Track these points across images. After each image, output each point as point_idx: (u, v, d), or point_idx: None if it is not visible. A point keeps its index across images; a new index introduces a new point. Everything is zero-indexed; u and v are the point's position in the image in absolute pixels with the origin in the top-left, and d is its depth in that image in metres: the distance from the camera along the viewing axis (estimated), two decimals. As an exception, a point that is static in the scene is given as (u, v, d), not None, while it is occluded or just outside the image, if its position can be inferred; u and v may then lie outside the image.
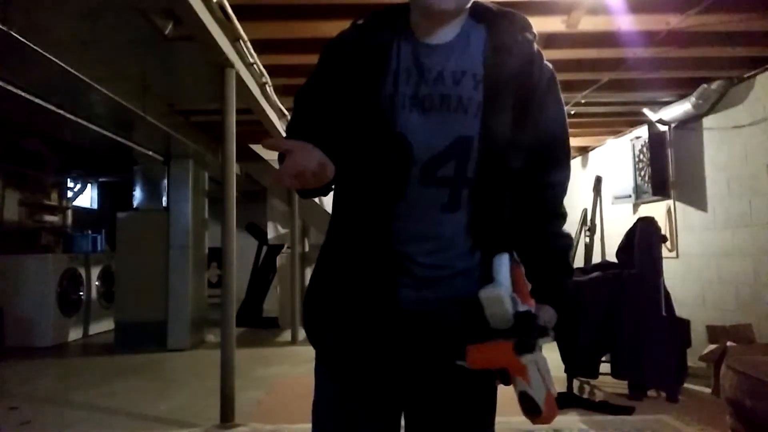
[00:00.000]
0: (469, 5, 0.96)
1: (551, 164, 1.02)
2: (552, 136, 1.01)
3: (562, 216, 1.05)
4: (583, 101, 4.41)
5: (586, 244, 5.96)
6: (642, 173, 5.03)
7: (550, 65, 1.00)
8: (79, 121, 4.31)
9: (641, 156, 5.04)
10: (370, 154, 0.94)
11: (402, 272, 0.94)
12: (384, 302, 0.95)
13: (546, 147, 1.00)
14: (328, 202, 1.11)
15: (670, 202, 4.76)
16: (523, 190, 1.00)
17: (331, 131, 0.97)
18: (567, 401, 3.37)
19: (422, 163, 0.93)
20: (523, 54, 0.97)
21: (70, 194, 7.91)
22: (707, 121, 4.28)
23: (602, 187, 6.03)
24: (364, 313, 0.96)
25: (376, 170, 0.94)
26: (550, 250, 1.03)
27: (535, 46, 0.99)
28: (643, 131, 5.03)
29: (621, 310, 3.50)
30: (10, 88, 3.48)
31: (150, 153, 5.53)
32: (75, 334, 6.12)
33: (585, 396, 3.57)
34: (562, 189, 1.04)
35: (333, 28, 3.11)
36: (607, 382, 3.67)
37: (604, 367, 3.58)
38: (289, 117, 4.29)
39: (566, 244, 1.06)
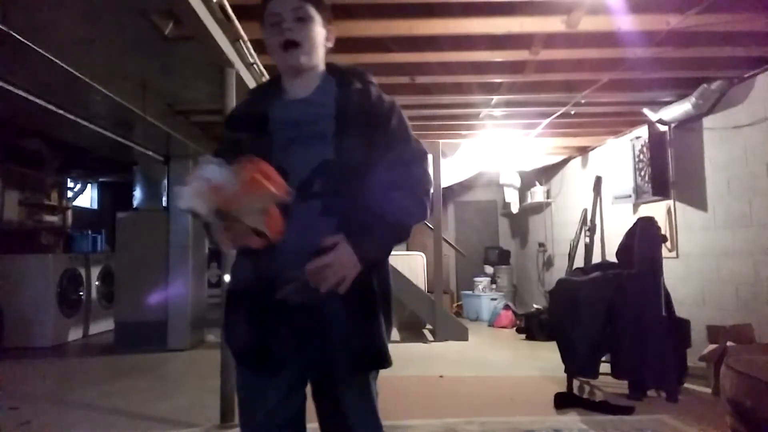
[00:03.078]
0: (318, 62, 1.35)
1: (403, 164, 1.31)
2: (399, 146, 1.31)
3: (414, 196, 1.29)
4: (583, 101, 4.41)
5: (586, 244, 5.96)
6: (642, 173, 5.03)
7: (389, 98, 1.35)
8: (79, 121, 4.31)
9: (641, 156, 5.04)
10: None
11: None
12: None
13: (397, 153, 1.30)
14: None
15: (670, 202, 4.76)
16: (383, 188, 1.26)
17: None
18: (567, 401, 3.37)
19: (298, 184, 1.22)
20: (361, 95, 1.32)
21: (70, 194, 7.90)
22: (707, 121, 4.28)
23: (602, 187, 6.03)
24: (263, 307, 1.25)
25: None
26: (381, 204, 1.25)
27: (373, 89, 1.34)
28: (643, 131, 5.03)
29: (621, 310, 3.50)
30: (10, 88, 3.48)
31: (150, 153, 5.53)
32: (75, 334, 6.12)
33: (585, 396, 3.57)
34: (414, 178, 1.31)
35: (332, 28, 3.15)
36: (607, 382, 3.66)
37: (604, 367, 3.58)
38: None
39: (402, 205, 1.27)
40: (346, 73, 1.38)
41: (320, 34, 1.35)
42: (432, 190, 1.37)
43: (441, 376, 4.18)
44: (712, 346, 3.62)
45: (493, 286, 7.87)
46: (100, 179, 8.71)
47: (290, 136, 1.28)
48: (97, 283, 6.57)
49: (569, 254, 6.29)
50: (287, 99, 1.35)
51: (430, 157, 6.44)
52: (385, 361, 1.27)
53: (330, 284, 1.17)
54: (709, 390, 3.58)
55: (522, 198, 7.90)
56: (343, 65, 1.42)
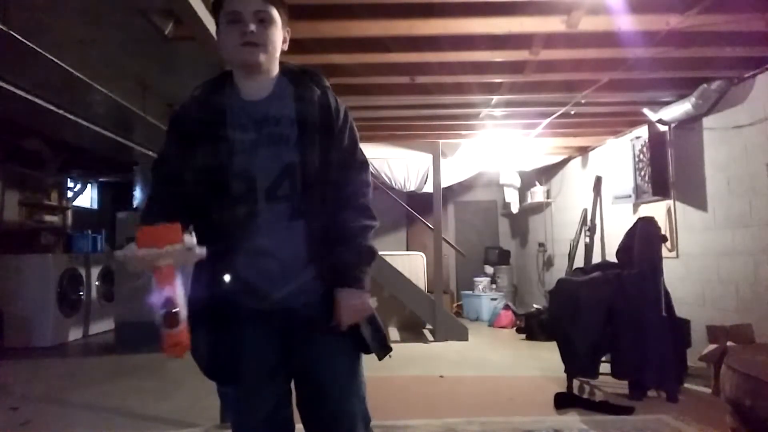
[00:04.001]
0: (274, 62, 1.33)
1: (349, 169, 1.36)
2: (349, 152, 1.36)
3: (360, 207, 1.34)
4: (583, 101, 4.41)
5: (586, 244, 5.96)
6: (642, 173, 5.03)
7: (344, 105, 1.37)
8: (79, 121, 4.32)
9: (641, 156, 5.04)
10: (225, 190, 1.23)
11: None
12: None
13: (345, 159, 1.35)
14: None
15: (670, 202, 4.76)
16: (333, 190, 1.31)
17: (188, 186, 1.26)
18: (567, 401, 3.37)
19: (264, 188, 1.24)
20: (320, 100, 1.32)
21: (70, 194, 7.91)
22: (707, 121, 4.28)
23: (602, 187, 6.03)
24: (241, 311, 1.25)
25: (232, 200, 1.23)
26: (342, 232, 1.30)
27: (330, 95, 1.35)
28: (643, 131, 5.03)
29: (621, 310, 3.50)
30: (10, 88, 3.48)
31: (150, 153, 5.53)
32: (75, 334, 6.12)
33: (585, 396, 3.57)
34: (360, 185, 1.36)
35: (332, 28, 3.15)
36: (607, 382, 3.66)
37: (604, 367, 3.58)
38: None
39: (357, 227, 1.31)
40: (301, 75, 1.38)
41: (280, 37, 1.33)
42: (371, 195, 1.40)
43: (441, 376, 4.18)
44: (712, 346, 3.61)
45: (493, 286, 7.87)
46: (100, 179, 8.72)
47: (252, 138, 1.26)
48: (97, 283, 6.57)
49: (569, 254, 6.29)
50: (244, 99, 1.32)
51: (418, 159, 6.50)
52: (367, 346, 1.30)
53: (356, 319, 1.26)
54: (709, 390, 3.58)
55: (522, 198, 7.90)
56: (294, 66, 1.40)
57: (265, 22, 1.29)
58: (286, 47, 1.38)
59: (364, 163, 1.40)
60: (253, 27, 1.26)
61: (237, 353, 1.24)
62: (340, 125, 1.34)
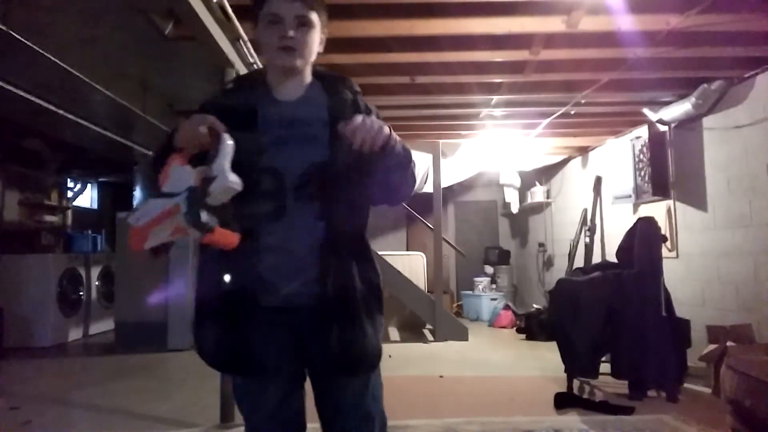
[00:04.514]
0: (308, 66, 1.34)
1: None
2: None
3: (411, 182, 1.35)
4: (583, 101, 4.41)
5: (586, 244, 5.96)
6: (642, 173, 5.03)
7: (374, 108, 1.39)
8: (79, 121, 4.32)
9: (641, 156, 5.04)
10: (251, 186, 1.18)
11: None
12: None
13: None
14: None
15: (670, 202, 4.76)
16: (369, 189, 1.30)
17: None
18: (567, 401, 3.37)
19: (293, 186, 1.24)
20: (353, 104, 1.34)
21: (70, 194, 7.90)
22: (707, 121, 4.28)
23: (602, 187, 6.03)
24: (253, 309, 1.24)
25: (258, 196, 1.22)
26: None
27: (360, 100, 1.37)
28: (643, 131, 5.03)
29: (621, 310, 3.50)
30: (10, 88, 3.48)
31: (150, 153, 5.53)
32: (75, 334, 6.12)
33: (585, 396, 3.57)
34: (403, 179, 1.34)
35: (332, 28, 3.13)
36: (607, 382, 3.67)
37: (604, 367, 3.58)
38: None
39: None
40: (333, 80, 1.40)
41: (317, 40, 1.34)
42: (415, 187, 1.39)
43: (441, 376, 4.18)
44: (712, 346, 3.62)
45: (493, 286, 7.87)
46: (100, 179, 8.71)
47: (282, 135, 1.27)
48: (97, 283, 6.57)
49: (569, 254, 6.29)
50: (276, 99, 1.33)
51: (418, 159, 6.49)
52: (377, 363, 1.29)
53: (370, 138, 1.13)
54: (709, 390, 3.58)
55: (522, 198, 7.90)
56: (326, 71, 1.43)
57: (305, 26, 1.29)
58: (321, 49, 1.39)
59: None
60: (292, 32, 1.27)
61: (244, 345, 1.24)
62: None
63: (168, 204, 1.07)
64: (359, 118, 1.14)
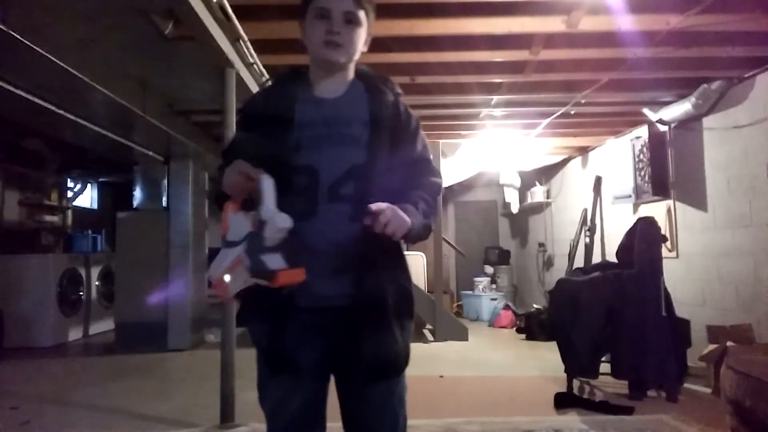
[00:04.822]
0: (352, 64, 1.35)
1: (421, 174, 1.36)
2: (422, 158, 1.37)
3: (427, 194, 1.33)
4: (583, 101, 4.41)
5: (586, 244, 5.96)
6: (642, 173, 5.03)
7: (415, 115, 1.39)
8: (79, 121, 4.31)
9: (641, 156, 5.04)
10: (286, 183, 1.19)
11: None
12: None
13: (416, 164, 1.35)
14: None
15: (670, 202, 4.76)
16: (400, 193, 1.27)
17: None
18: (567, 401, 3.37)
19: (327, 185, 1.23)
20: (394, 106, 1.33)
21: (70, 194, 7.90)
22: (707, 121, 4.28)
23: (602, 187, 6.03)
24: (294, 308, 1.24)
25: (293, 194, 1.21)
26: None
27: (401, 102, 1.37)
28: (643, 131, 5.03)
29: (621, 310, 3.50)
30: (10, 88, 3.48)
31: (150, 153, 5.53)
32: (75, 334, 6.12)
33: (585, 396, 3.57)
34: (431, 186, 1.36)
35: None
36: (607, 382, 3.67)
37: (604, 367, 3.58)
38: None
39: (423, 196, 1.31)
40: (376, 80, 1.39)
41: (363, 38, 1.34)
42: (439, 195, 1.39)
43: (441, 376, 4.18)
44: (712, 346, 3.62)
45: (493, 286, 7.87)
46: (100, 179, 8.71)
47: (321, 134, 1.26)
48: (97, 283, 6.58)
49: (569, 254, 6.29)
50: (316, 96, 1.32)
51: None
52: (404, 368, 1.30)
53: (390, 230, 1.15)
54: (709, 390, 3.58)
55: (522, 198, 7.90)
56: (369, 70, 1.42)
57: (353, 23, 1.29)
58: (365, 49, 1.39)
59: (437, 172, 1.40)
60: (339, 27, 1.27)
61: (279, 343, 1.25)
62: (412, 131, 1.35)
63: (234, 254, 1.11)
64: (387, 209, 1.15)
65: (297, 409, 1.27)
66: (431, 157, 1.41)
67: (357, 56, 1.35)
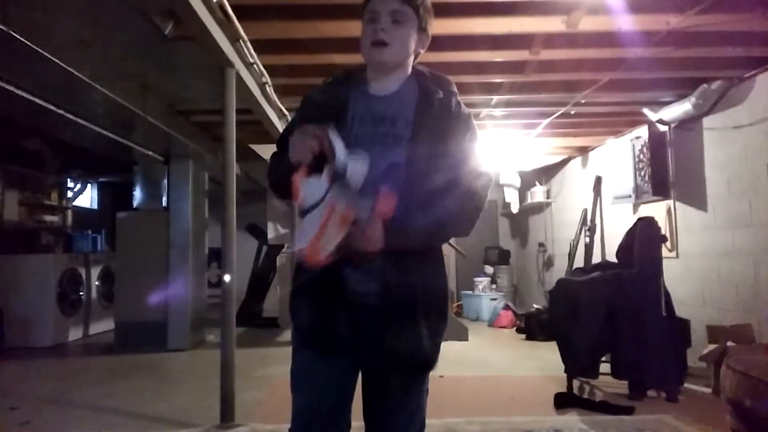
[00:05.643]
0: (403, 62, 1.35)
1: (465, 174, 1.31)
2: (466, 157, 1.32)
3: (471, 211, 1.32)
4: (583, 101, 4.41)
5: (586, 244, 5.96)
6: (642, 173, 5.03)
7: (467, 111, 1.36)
8: (79, 121, 4.31)
9: (641, 156, 5.04)
10: None
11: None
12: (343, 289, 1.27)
13: (461, 164, 1.30)
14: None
15: (670, 202, 4.76)
16: (442, 192, 1.27)
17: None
18: (567, 401, 3.37)
19: (368, 182, 1.20)
20: (441, 103, 1.32)
21: (70, 194, 7.90)
22: (707, 121, 4.28)
23: (602, 187, 6.03)
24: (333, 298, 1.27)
25: None
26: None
27: (454, 98, 1.35)
28: (643, 131, 5.03)
29: (621, 310, 3.50)
30: (10, 88, 3.48)
31: (150, 153, 5.53)
32: (75, 334, 6.12)
33: (585, 396, 3.57)
34: (473, 191, 1.31)
35: (333, 28, 3.15)
36: (607, 382, 3.67)
37: (604, 367, 3.58)
38: (289, 117, 4.30)
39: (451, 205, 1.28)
40: (430, 79, 1.38)
41: (411, 37, 1.34)
42: (481, 210, 1.34)
43: (441, 376, 4.17)
44: (712, 346, 3.62)
45: (493, 286, 7.87)
46: (100, 179, 8.70)
47: (368, 132, 1.29)
48: (97, 283, 6.58)
49: (569, 254, 6.29)
50: (370, 93, 1.35)
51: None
52: (432, 365, 1.31)
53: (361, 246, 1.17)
54: (709, 390, 3.58)
55: (522, 198, 7.90)
56: (428, 70, 1.42)
57: (399, 22, 1.31)
58: (422, 50, 1.39)
59: (484, 174, 1.34)
60: (383, 26, 1.29)
61: (323, 324, 1.28)
62: (460, 129, 1.32)
63: (320, 212, 1.11)
64: (375, 231, 1.15)
65: (326, 395, 1.30)
66: (476, 156, 1.35)
67: (409, 56, 1.36)
